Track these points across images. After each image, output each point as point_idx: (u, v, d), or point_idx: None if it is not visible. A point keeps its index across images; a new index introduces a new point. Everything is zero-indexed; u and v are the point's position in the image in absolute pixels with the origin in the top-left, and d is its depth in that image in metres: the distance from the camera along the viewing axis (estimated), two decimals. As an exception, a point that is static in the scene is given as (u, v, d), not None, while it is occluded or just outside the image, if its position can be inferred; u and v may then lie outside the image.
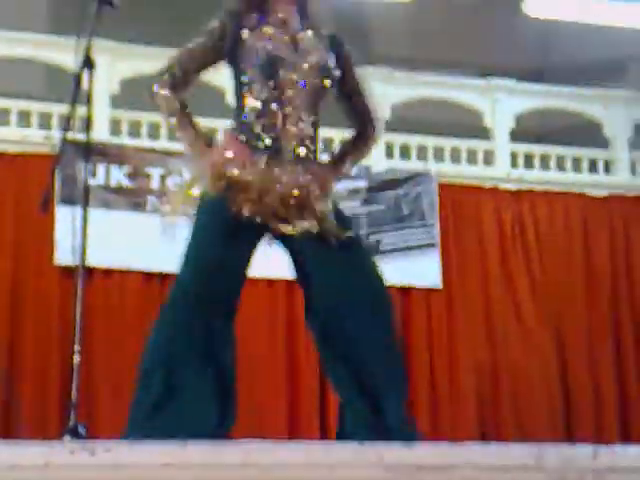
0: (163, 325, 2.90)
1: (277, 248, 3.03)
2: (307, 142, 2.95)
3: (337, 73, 3.02)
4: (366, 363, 2.80)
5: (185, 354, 2.82)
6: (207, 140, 2.99)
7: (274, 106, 2.90)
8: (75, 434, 2.90)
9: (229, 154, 2.88)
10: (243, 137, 2.91)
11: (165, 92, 2.95)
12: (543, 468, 1.87)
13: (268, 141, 2.90)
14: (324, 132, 3.25)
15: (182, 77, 2.97)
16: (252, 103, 2.92)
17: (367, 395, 2.78)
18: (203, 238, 2.90)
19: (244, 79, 2.93)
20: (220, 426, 2.80)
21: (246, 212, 2.84)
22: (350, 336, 2.81)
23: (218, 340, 2.86)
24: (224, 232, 2.85)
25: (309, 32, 3.02)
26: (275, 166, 2.87)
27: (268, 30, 2.94)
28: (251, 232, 2.90)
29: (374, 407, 2.75)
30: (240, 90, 2.96)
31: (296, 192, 2.89)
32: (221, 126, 7.77)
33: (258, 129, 2.91)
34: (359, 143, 3.19)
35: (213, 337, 2.84)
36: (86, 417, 3.07)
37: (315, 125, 2.99)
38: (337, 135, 7.10)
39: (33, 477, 1.81)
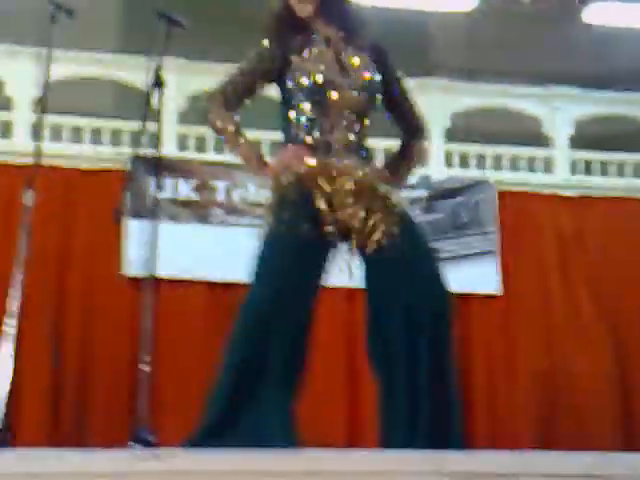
0: (240, 338, 2.92)
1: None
2: (357, 153, 2.94)
3: (382, 86, 3.01)
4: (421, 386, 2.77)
5: (261, 368, 2.82)
6: (259, 154, 3.01)
7: (323, 124, 2.91)
8: (143, 441, 2.92)
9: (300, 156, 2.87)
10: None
11: (218, 110, 2.96)
12: (607, 477, 1.83)
13: (315, 146, 2.90)
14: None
15: (234, 97, 2.98)
16: (302, 121, 2.92)
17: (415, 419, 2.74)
18: (276, 252, 2.86)
19: (293, 100, 2.94)
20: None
21: (322, 205, 2.83)
22: (408, 359, 2.79)
23: (294, 353, 2.85)
24: (297, 246, 2.81)
25: (352, 48, 2.99)
26: (332, 164, 2.88)
27: (314, 51, 2.95)
28: (324, 244, 2.87)
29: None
30: (289, 109, 2.96)
31: (360, 174, 2.88)
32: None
33: (303, 138, 2.92)
34: (410, 152, 3.16)
35: (290, 350, 2.83)
36: (152, 424, 3.08)
37: (365, 136, 2.99)
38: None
39: (102, 483, 1.83)
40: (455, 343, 2.90)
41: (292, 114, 2.94)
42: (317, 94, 2.89)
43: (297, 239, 2.79)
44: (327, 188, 2.83)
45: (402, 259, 2.85)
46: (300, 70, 2.91)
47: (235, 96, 2.99)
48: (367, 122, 2.99)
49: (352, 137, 2.92)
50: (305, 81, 2.90)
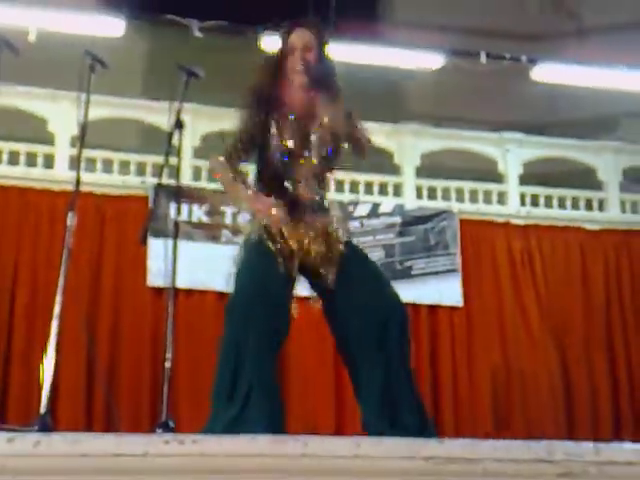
0: (229, 335, 2.82)
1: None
2: (317, 198, 2.90)
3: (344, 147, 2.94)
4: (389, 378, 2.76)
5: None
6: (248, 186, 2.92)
7: (289, 179, 2.86)
8: (166, 427, 2.91)
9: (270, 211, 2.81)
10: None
11: (221, 160, 2.91)
12: (554, 461, 1.84)
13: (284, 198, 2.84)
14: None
15: (235, 154, 2.91)
16: (269, 174, 2.87)
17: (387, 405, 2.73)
18: (252, 268, 2.83)
19: (265, 159, 2.88)
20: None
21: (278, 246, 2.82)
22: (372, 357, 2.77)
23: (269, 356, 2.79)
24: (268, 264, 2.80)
25: (324, 120, 2.87)
26: (295, 218, 2.83)
27: (288, 124, 2.86)
28: (287, 276, 2.84)
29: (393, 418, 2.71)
30: (261, 163, 2.91)
31: (319, 224, 2.86)
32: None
33: (274, 189, 2.85)
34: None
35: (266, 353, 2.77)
36: (171, 415, 3.06)
37: (325, 182, 2.96)
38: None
39: (134, 463, 1.82)
40: (412, 345, 2.89)
41: (262, 170, 2.89)
42: (286, 161, 2.83)
43: (267, 269, 2.78)
44: (291, 235, 2.81)
45: (357, 281, 2.82)
46: (275, 140, 2.84)
47: (236, 153, 2.91)
48: (328, 179, 2.96)
49: (313, 188, 2.88)
50: (277, 151, 2.84)
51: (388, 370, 2.75)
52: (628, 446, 2.04)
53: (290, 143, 2.84)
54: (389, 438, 2.11)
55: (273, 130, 2.84)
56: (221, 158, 2.91)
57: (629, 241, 8.86)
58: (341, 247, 2.85)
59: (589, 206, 9.08)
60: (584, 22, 10.47)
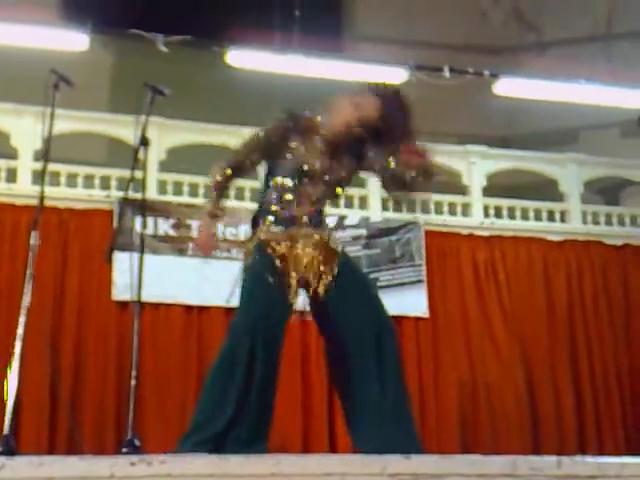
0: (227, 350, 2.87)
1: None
2: (312, 214, 3.01)
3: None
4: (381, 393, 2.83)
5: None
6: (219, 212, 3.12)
7: (295, 197, 2.99)
8: (132, 445, 2.88)
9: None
10: (270, 217, 2.99)
11: (219, 173, 3.14)
12: (518, 476, 1.86)
13: (283, 215, 2.97)
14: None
15: (236, 168, 3.11)
16: (276, 195, 3.00)
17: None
18: (255, 286, 2.91)
19: (277, 178, 3.01)
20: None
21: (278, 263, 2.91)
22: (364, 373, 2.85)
23: (267, 368, 2.85)
24: (266, 291, 2.89)
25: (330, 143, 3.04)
26: (293, 237, 2.95)
27: (315, 145, 3.02)
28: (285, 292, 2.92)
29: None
30: (269, 182, 3.04)
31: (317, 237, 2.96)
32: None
33: (275, 208, 2.99)
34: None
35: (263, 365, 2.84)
36: (137, 431, 3.03)
37: (325, 201, 3.08)
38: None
39: (101, 485, 1.81)
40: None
41: (270, 188, 3.02)
42: (297, 179, 3.00)
43: (266, 287, 2.86)
44: (285, 251, 2.91)
45: (349, 293, 2.91)
46: (292, 160, 3.00)
47: (236, 166, 3.12)
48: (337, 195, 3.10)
49: (314, 208, 3.01)
50: (291, 169, 3.00)
51: (385, 385, 2.82)
52: (590, 459, 2.07)
53: (316, 164, 2.99)
54: (356, 455, 2.12)
55: (295, 145, 2.99)
56: (228, 170, 3.10)
57: (590, 252, 8.97)
58: (337, 257, 2.97)
59: (551, 217, 9.19)
60: (544, 36, 10.66)
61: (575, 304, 8.72)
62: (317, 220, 3.01)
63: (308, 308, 3.02)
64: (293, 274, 2.89)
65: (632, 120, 8.78)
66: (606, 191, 10.07)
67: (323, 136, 3.03)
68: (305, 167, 2.99)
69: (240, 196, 8.26)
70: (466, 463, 1.90)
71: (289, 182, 2.99)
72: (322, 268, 2.92)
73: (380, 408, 2.79)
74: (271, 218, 2.97)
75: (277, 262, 2.89)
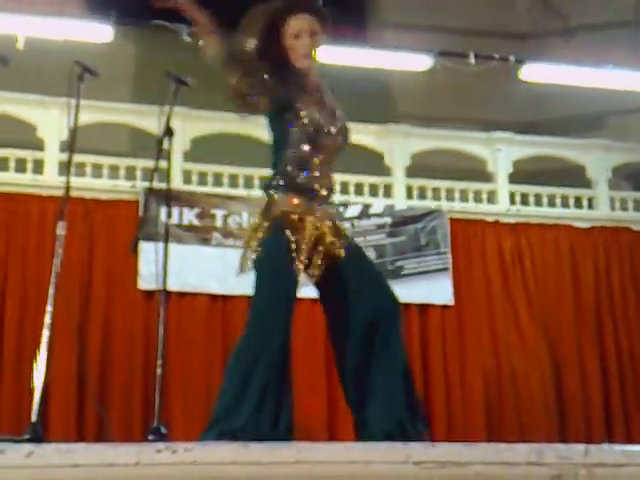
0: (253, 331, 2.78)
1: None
2: (328, 185, 2.91)
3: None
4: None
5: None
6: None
7: (311, 159, 2.84)
8: (158, 433, 2.91)
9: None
10: (282, 182, 2.83)
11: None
12: (544, 464, 1.85)
13: (303, 185, 2.83)
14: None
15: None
16: (293, 155, 2.83)
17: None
18: (277, 266, 2.81)
19: (289, 138, 2.83)
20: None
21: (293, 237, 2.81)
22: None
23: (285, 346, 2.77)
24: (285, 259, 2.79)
25: (329, 93, 2.94)
26: (309, 206, 2.83)
27: (310, 98, 2.86)
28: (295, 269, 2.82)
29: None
30: (284, 145, 2.85)
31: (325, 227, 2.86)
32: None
33: (295, 176, 2.83)
34: None
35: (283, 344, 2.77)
36: (163, 419, 3.05)
37: (332, 170, 2.96)
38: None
39: (127, 472, 1.82)
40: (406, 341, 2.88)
41: (285, 152, 2.82)
42: (311, 135, 2.82)
43: (287, 265, 2.78)
44: (306, 225, 2.80)
45: (360, 273, 2.86)
46: (300, 114, 2.81)
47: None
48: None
49: (327, 172, 2.89)
50: (302, 124, 2.81)
51: (392, 368, 2.76)
52: (618, 447, 2.05)
53: (319, 117, 2.82)
54: (381, 443, 2.11)
55: (299, 104, 2.81)
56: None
57: (618, 238, 8.88)
58: (346, 239, 2.88)
59: (578, 204, 9.10)
60: (571, 21, 10.52)
61: (602, 291, 8.65)
62: (330, 192, 2.91)
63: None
64: (320, 248, 2.80)
65: (659, 105, 8.66)
66: (634, 177, 9.94)
67: (310, 82, 2.87)
68: (325, 129, 2.82)
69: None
70: (491, 451, 1.89)
71: (305, 148, 2.81)
72: (337, 243, 2.83)
73: (390, 394, 2.73)
74: (288, 188, 2.81)
75: (294, 237, 2.76)
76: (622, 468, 1.87)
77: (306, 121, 2.80)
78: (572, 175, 9.32)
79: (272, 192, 2.84)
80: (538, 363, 8.21)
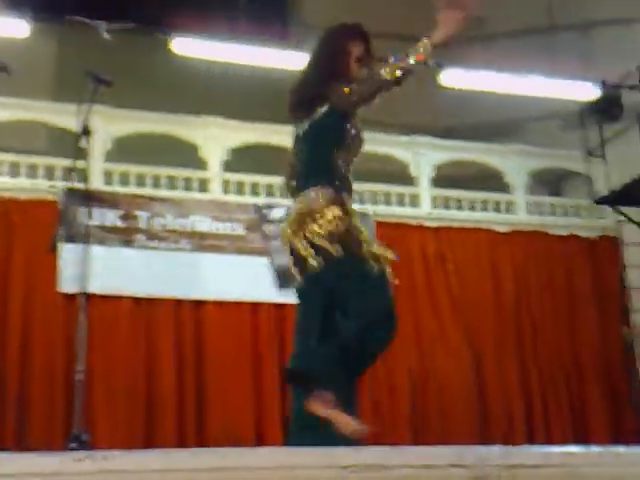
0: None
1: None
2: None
3: None
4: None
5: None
6: None
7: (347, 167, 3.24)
8: (79, 440, 2.83)
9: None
10: (330, 189, 3.12)
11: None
12: (465, 466, 1.87)
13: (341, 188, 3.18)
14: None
15: None
16: (339, 164, 3.18)
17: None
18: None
19: (336, 150, 3.19)
20: None
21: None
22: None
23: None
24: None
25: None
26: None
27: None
28: None
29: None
30: (333, 155, 3.18)
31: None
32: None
33: (338, 180, 3.17)
34: None
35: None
36: (85, 425, 2.98)
37: None
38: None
39: (45, 483, 1.77)
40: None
41: (334, 161, 3.17)
42: (353, 148, 3.25)
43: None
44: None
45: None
46: (349, 131, 3.23)
47: None
48: None
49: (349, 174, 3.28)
50: (350, 139, 3.24)
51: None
52: (536, 449, 2.10)
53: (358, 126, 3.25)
54: (305, 448, 2.11)
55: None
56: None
57: (535, 242, 9.11)
58: None
59: (497, 208, 9.30)
60: (489, 28, 10.75)
61: (521, 293, 8.84)
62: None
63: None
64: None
65: (573, 112, 8.92)
66: (550, 182, 10.24)
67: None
68: (361, 138, 3.28)
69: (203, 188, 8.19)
70: (414, 455, 1.91)
71: (345, 155, 3.21)
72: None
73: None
74: (335, 194, 3.12)
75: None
76: (540, 469, 1.91)
77: (354, 131, 3.24)
78: (491, 180, 9.52)
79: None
80: (461, 364, 8.33)
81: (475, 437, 7.64)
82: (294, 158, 3.32)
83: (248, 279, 7.87)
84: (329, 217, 3.07)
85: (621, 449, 2.05)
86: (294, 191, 3.24)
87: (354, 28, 3.38)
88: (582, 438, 7.97)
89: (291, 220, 3.14)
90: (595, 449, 1.98)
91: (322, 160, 3.15)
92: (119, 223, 7.79)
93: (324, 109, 3.18)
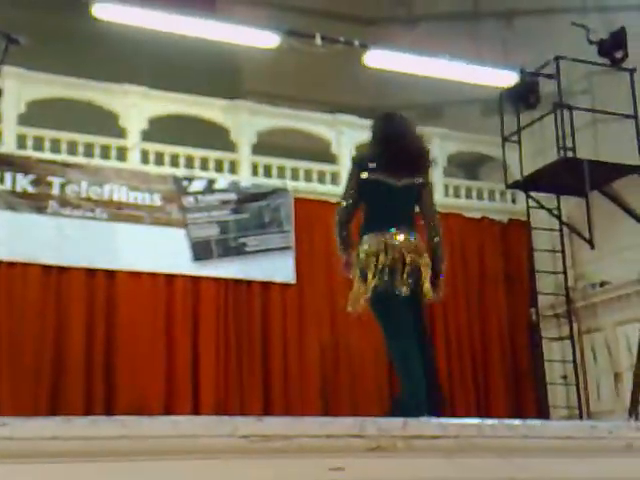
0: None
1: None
2: None
3: None
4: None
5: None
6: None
7: None
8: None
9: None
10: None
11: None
12: (365, 436, 1.91)
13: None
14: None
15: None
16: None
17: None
18: None
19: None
20: None
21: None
22: None
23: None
24: None
25: None
26: None
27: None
28: None
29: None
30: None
31: None
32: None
33: None
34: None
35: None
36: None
37: None
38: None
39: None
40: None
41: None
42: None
43: None
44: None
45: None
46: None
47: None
48: None
49: None
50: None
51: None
52: (434, 421, 2.16)
53: None
54: (206, 417, 2.11)
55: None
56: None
57: (450, 223, 9.22)
58: None
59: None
60: (415, 10, 10.86)
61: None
62: None
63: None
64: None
65: (493, 98, 9.10)
66: (466, 165, 10.45)
67: None
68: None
69: (106, 155, 8.02)
70: (316, 424, 1.93)
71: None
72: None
73: None
74: None
75: None
76: (437, 440, 1.97)
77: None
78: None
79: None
80: (370, 336, 8.45)
81: (385, 409, 7.78)
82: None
83: (164, 251, 7.79)
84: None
85: (516, 421, 2.12)
86: None
87: None
88: (485, 413, 8.23)
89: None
90: (490, 421, 2.05)
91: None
92: (30, 189, 7.57)
93: None
